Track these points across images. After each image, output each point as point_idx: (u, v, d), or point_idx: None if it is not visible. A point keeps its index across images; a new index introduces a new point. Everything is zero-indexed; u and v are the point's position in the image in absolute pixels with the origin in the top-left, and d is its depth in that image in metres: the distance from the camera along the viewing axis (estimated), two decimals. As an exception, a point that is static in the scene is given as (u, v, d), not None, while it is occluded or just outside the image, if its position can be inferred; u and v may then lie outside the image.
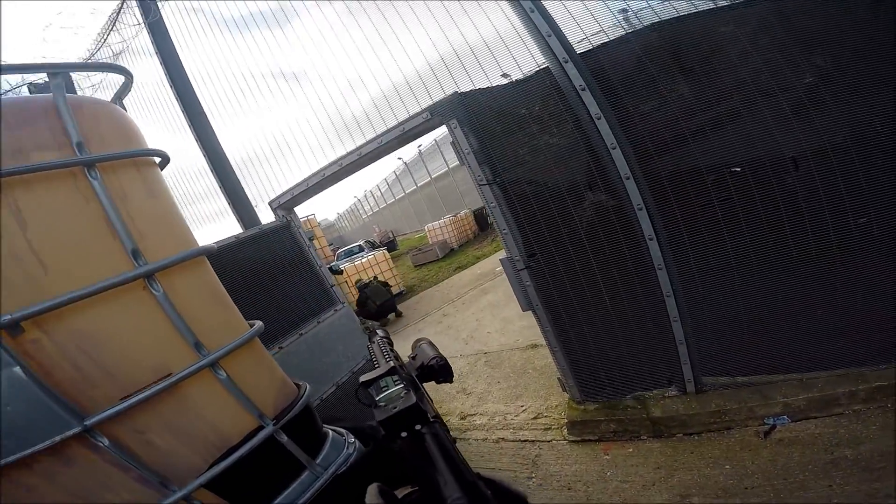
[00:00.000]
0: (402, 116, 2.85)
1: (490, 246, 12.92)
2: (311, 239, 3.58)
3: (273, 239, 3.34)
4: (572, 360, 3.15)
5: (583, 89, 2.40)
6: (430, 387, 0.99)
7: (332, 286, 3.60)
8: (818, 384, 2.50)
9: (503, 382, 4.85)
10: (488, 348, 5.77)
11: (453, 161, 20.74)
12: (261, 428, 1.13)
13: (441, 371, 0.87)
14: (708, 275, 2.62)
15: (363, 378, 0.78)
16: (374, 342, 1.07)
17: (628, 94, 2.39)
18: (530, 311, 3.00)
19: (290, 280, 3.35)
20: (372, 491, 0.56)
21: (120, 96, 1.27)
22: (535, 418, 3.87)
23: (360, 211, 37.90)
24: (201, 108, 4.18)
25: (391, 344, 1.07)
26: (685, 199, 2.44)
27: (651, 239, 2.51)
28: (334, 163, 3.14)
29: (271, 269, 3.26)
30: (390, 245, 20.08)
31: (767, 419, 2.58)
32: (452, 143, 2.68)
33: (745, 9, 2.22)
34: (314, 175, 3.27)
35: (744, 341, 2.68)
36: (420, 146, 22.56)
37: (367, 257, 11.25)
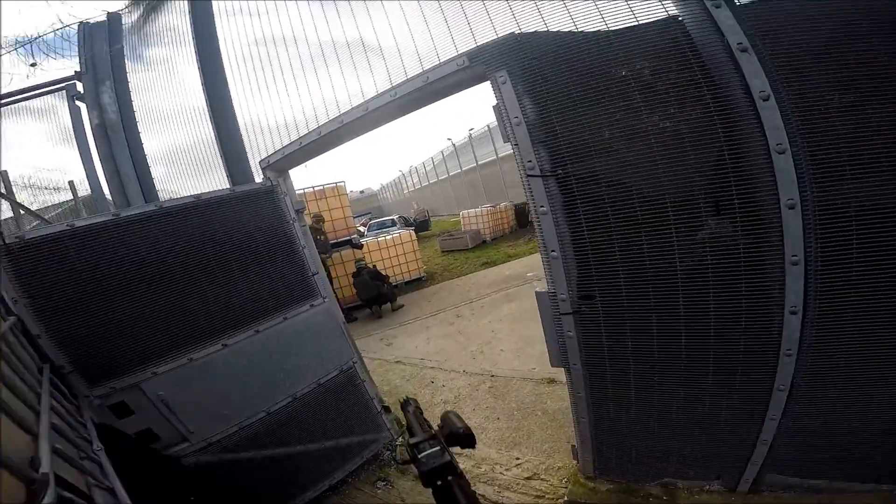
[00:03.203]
0: (430, 64, 1.96)
1: (525, 246, 11.88)
2: (299, 212, 2.80)
3: (248, 205, 2.59)
4: (599, 433, 2.29)
5: (743, 50, 1.43)
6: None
7: (313, 274, 2.83)
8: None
9: (503, 420, 4.00)
10: (497, 370, 4.90)
11: (504, 149, 19.55)
12: None
13: (466, 439, 1.01)
14: (852, 370, 1.64)
15: (411, 441, 0.98)
16: (409, 411, 1.18)
17: (822, 70, 1.39)
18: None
19: (260, 260, 2.60)
20: None
21: None
22: (528, 478, 3.02)
23: (403, 185, 37.42)
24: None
25: (422, 412, 1.20)
26: (876, 258, 1.44)
27: (794, 312, 1.53)
28: (334, 120, 2.32)
29: (236, 243, 2.52)
30: (422, 224, 19.35)
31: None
32: (496, 108, 1.78)
33: None
34: (310, 133, 2.47)
35: (839, 444, 1.78)
36: (472, 129, 21.45)
37: (392, 235, 10.53)
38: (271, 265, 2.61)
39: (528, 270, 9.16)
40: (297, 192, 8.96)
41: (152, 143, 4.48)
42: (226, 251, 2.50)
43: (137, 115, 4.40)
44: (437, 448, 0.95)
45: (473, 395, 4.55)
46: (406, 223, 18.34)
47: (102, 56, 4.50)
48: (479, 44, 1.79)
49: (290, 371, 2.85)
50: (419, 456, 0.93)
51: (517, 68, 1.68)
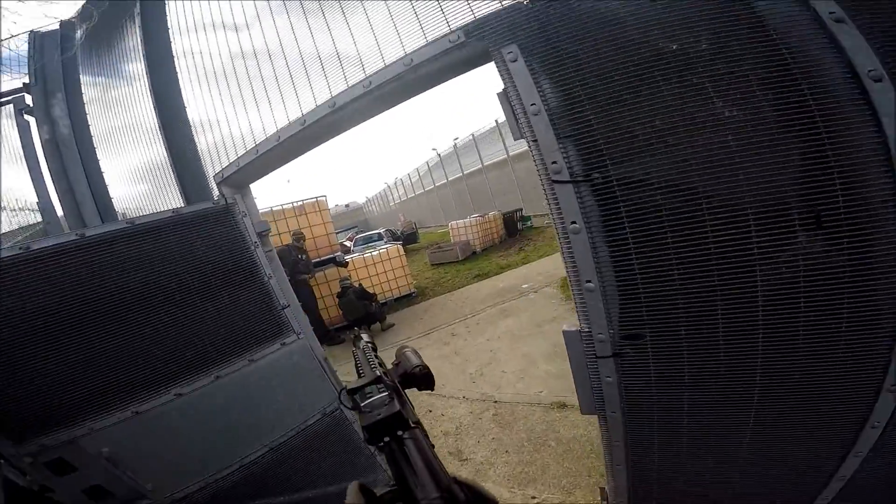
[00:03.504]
0: (414, 46, 1.56)
1: (516, 256, 11.52)
2: (262, 234, 2.34)
3: (197, 229, 2.13)
4: (637, 479, 1.89)
5: (839, 21, 1.06)
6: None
7: (284, 308, 2.36)
8: None
9: (513, 453, 3.57)
10: (500, 395, 4.47)
11: (489, 157, 19.35)
12: None
13: (423, 379, 0.86)
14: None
15: (349, 386, 0.79)
16: (358, 347, 1.03)
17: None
18: (563, 362, 1.69)
19: (215, 294, 2.14)
20: (352, 488, 0.61)
21: None
22: (547, 523, 2.61)
23: (389, 197, 37.00)
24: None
25: (375, 349, 1.04)
26: None
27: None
28: (295, 122, 1.89)
29: (184, 275, 2.06)
30: (410, 237, 18.90)
31: None
32: (502, 95, 1.37)
33: None
34: (268, 140, 2.04)
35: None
36: (456, 139, 21.23)
37: (378, 251, 10.06)
38: (229, 299, 2.15)
39: (523, 282, 8.79)
40: (274, 208, 8.49)
41: (110, 162, 4.02)
42: (171, 285, 2.04)
43: (93, 130, 3.96)
44: (385, 394, 0.75)
45: (477, 425, 4.10)
46: (393, 236, 17.88)
47: (53, 66, 4.07)
48: (477, 16, 1.40)
49: (262, 419, 2.43)
50: (362, 404, 0.74)
51: (532, 41, 1.28)
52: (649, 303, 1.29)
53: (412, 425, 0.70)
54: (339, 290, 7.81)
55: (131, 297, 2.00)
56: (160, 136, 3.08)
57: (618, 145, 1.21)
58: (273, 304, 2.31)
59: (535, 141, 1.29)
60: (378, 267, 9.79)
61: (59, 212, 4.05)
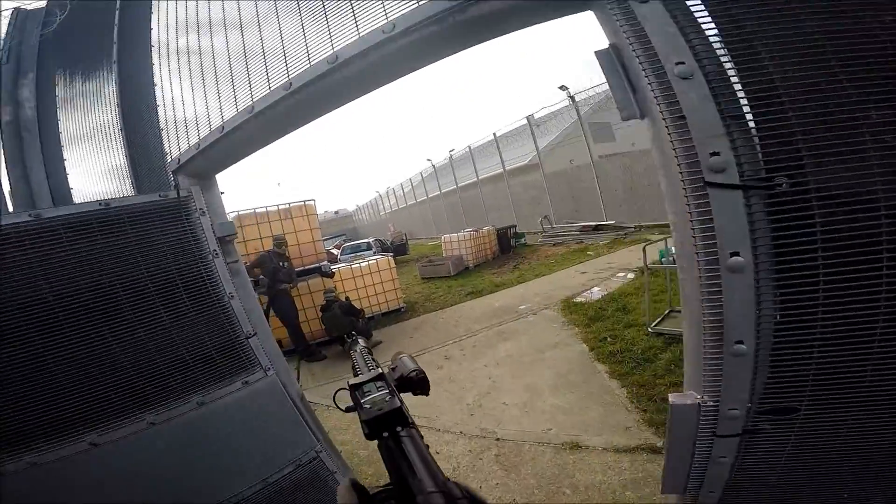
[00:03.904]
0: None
1: (511, 274, 11.06)
2: (225, 239, 1.80)
3: (137, 228, 1.59)
4: None
5: None
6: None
7: (249, 336, 1.81)
8: None
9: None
10: (503, 432, 3.92)
11: (485, 171, 19.05)
12: None
13: (419, 384, 0.86)
14: None
15: (352, 381, 0.80)
16: (356, 350, 1.04)
17: None
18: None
19: (153, 318, 1.58)
20: (344, 486, 0.61)
21: None
22: None
23: (380, 206, 36.43)
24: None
25: (371, 354, 1.03)
26: None
27: None
28: (279, 88, 1.38)
29: (112, 288, 1.51)
30: (399, 248, 18.31)
31: None
32: (607, 53, 0.90)
33: None
34: (239, 114, 1.53)
35: None
36: (452, 150, 20.93)
37: (368, 261, 9.49)
38: (173, 324, 1.60)
39: (520, 303, 8.30)
40: (258, 209, 7.89)
41: (73, 151, 3.49)
42: (93, 302, 1.49)
43: (60, 115, 3.47)
44: (385, 391, 0.76)
45: (477, 466, 3.55)
46: (382, 246, 17.31)
47: (30, 46, 3.66)
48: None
49: (215, 470, 1.87)
50: (362, 401, 0.74)
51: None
52: (823, 368, 0.81)
53: (410, 423, 0.71)
54: (324, 302, 7.20)
55: (38, 314, 1.45)
56: (117, 113, 2.56)
57: (828, 137, 0.73)
58: (235, 332, 1.76)
59: (681, 119, 0.80)
60: (366, 279, 9.23)
61: (9, 202, 3.51)
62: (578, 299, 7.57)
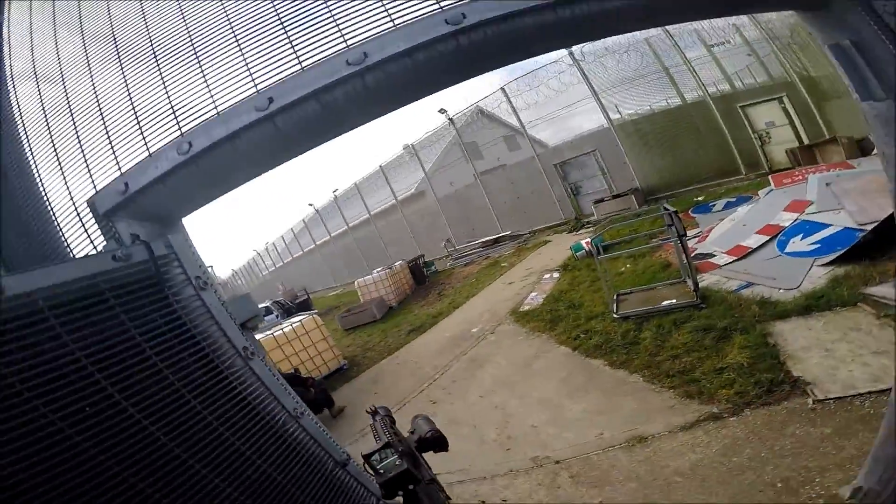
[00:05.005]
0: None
1: (442, 303, 10.99)
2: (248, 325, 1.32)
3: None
4: None
5: None
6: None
7: (345, 464, 1.36)
8: None
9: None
10: (557, 453, 3.70)
11: (376, 206, 18.82)
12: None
13: (435, 442, 0.98)
14: None
15: (364, 453, 0.92)
16: (376, 420, 1.12)
17: None
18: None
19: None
20: None
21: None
22: None
23: (259, 267, 32.63)
24: None
25: (393, 422, 1.13)
26: None
27: None
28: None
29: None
30: (303, 305, 16.64)
31: None
32: (839, 48, 0.96)
33: None
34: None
35: None
36: (336, 190, 20.19)
37: (293, 325, 8.35)
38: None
39: (469, 326, 8.26)
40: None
41: None
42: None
43: None
44: (394, 457, 0.89)
45: (564, 496, 3.26)
46: (283, 309, 15.48)
47: None
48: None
49: None
50: (377, 467, 0.88)
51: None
52: None
53: (426, 482, 0.87)
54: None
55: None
56: None
57: None
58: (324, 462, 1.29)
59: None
60: (294, 345, 8.14)
61: None
62: (524, 308, 7.88)
